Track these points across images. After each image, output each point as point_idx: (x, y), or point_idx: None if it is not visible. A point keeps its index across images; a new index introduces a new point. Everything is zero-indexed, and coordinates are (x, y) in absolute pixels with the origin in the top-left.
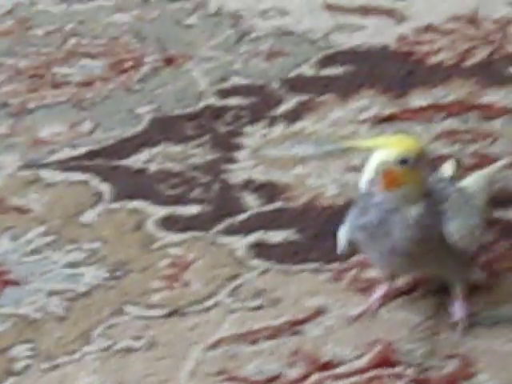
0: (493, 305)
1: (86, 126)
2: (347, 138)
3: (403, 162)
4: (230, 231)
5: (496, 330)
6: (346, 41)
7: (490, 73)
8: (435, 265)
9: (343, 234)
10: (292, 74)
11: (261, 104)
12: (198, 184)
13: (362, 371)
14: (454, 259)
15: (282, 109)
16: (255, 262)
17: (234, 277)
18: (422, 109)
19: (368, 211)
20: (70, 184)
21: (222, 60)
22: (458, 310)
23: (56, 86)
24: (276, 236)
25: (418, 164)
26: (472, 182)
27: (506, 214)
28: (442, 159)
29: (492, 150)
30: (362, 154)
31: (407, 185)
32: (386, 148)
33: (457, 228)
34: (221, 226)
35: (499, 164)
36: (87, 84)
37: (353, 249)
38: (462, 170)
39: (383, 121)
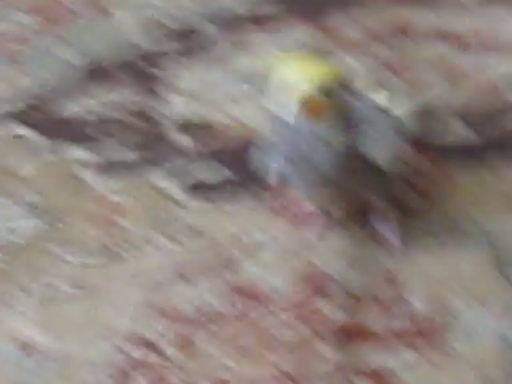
0: (424, 228)
1: None
2: None
3: (326, 90)
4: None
5: (428, 252)
6: None
7: None
8: (362, 190)
9: (273, 167)
10: None
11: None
12: None
13: (297, 302)
14: (381, 183)
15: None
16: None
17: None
18: None
19: (294, 144)
20: None
21: None
22: (389, 234)
23: None
24: (212, 177)
25: (340, 91)
26: (402, 110)
27: (437, 137)
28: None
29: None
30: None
31: (332, 113)
32: (307, 77)
33: (380, 149)
34: (155, 169)
35: (432, 95)
36: None
37: (283, 182)
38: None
39: None
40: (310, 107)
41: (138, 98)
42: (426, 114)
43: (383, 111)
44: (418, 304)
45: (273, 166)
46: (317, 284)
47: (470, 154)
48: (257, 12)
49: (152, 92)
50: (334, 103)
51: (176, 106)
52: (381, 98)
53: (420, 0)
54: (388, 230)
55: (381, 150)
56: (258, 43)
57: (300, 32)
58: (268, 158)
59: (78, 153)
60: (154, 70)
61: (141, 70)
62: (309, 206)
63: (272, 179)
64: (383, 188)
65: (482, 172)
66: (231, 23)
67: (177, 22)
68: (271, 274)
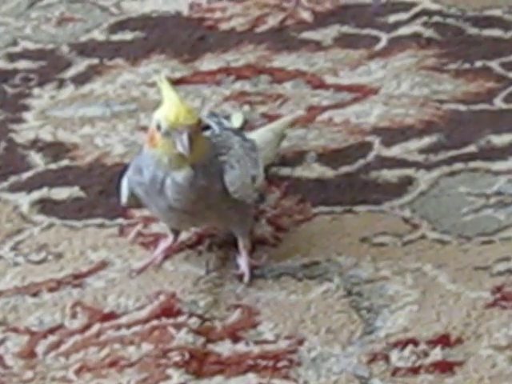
0: (277, 258)
1: None
2: (136, 100)
3: (158, 127)
4: (15, 188)
5: (279, 282)
6: (137, 7)
7: (281, 38)
8: (218, 219)
9: (125, 186)
10: (82, 39)
11: (50, 67)
12: None
13: (144, 321)
14: (237, 213)
15: (71, 72)
16: (39, 217)
17: (18, 232)
18: (212, 72)
19: (141, 169)
20: None
21: (11, 26)
22: (242, 262)
23: None
24: (61, 193)
25: (172, 134)
26: (259, 135)
27: (293, 171)
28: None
29: (281, 111)
30: (150, 114)
31: (160, 150)
32: (168, 105)
33: (235, 178)
34: (5, 184)
35: (286, 118)
36: None
37: (137, 203)
38: (250, 127)
39: (173, 83)
40: (149, 133)
41: None
42: (280, 140)
43: (239, 134)
44: (265, 329)
45: (125, 183)
46: (161, 302)
47: (324, 188)
48: (115, 39)
49: (3, 107)
50: (163, 141)
51: (27, 122)
52: (235, 119)
53: (285, 46)
54: (239, 257)
55: (235, 178)
56: (115, 69)
57: (157, 61)
58: (124, 179)
59: None
60: (7, 86)
61: None
62: (158, 228)
63: (123, 199)
64: (236, 217)
65: (335, 206)
66: (88, 47)
67: (33, 42)
68: (116, 290)
